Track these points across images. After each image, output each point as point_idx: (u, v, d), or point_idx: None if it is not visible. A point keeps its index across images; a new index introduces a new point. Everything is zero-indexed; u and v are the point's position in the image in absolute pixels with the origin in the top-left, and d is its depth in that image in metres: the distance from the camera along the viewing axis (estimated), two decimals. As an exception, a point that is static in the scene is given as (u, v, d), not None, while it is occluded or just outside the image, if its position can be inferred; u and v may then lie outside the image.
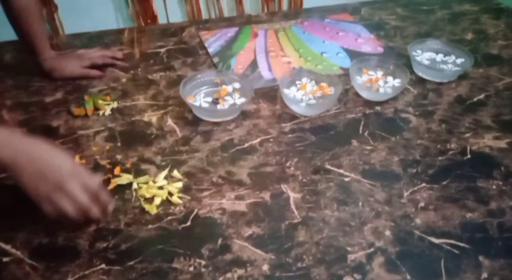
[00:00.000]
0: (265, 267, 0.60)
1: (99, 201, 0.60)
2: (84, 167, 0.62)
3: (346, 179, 0.73)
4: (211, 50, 1.06)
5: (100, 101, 0.86)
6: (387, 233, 0.64)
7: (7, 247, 0.61)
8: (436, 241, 0.63)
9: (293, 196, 0.70)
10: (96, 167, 0.73)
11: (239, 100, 0.87)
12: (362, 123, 0.84)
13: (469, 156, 0.78)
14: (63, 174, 0.56)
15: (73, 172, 0.57)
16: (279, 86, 0.88)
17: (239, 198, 0.69)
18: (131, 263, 0.60)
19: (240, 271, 0.59)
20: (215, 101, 0.87)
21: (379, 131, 0.82)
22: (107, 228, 0.64)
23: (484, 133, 0.82)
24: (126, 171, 0.73)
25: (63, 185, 0.56)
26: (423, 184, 0.72)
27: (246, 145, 0.79)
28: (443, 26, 1.18)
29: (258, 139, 0.80)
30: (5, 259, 0.59)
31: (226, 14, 1.33)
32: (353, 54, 1.05)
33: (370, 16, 1.23)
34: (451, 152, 0.78)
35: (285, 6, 1.38)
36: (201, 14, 1.31)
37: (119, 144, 0.78)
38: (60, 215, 0.57)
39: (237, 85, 0.90)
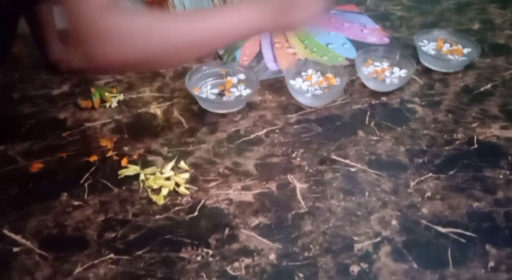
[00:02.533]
0: (272, 256, 0.60)
1: None
2: None
3: (353, 169, 0.73)
4: (216, 42, 1.05)
5: (106, 94, 0.86)
6: (394, 222, 0.64)
7: (17, 237, 0.62)
8: (443, 230, 0.63)
9: (300, 186, 0.70)
10: (103, 159, 0.74)
11: (245, 91, 0.87)
12: (368, 113, 0.84)
13: (476, 146, 0.77)
14: None
15: None
16: (284, 78, 0.88)
17: (245, 188, 0.69)
18: (139, 252, 0.60)
19: (247, 260, 0.59)
20: (221, 93, 0.87)
21: (385, 122, 0.82)
22: (115, 219, 0.64)
23: (491, 123, 0.82)
24: (133, 162, 0.73)
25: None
26: (430, 174, 0.72)
27: (252, 136, 0.79)
28: (449, 16, 1.17)
29: (264, 130, 0.80)
30: (15, 249, 0.60)
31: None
32: (358, 45, 1.05)
33: (376, 6, 1.22)
34: (457, 142, 0.78)
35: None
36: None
37: (126, 136, 0.79)
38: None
39: (242, 76, 0.90)
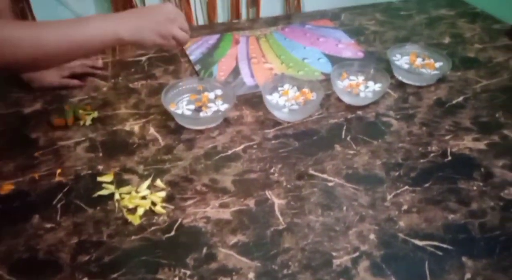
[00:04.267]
0: (251, 275, 0.59)
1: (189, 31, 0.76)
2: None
3: (330, 184, 0.73)
4: (192, 57, 1.05)
5: (80, 111, 0.85)
6: (372, 236, 0.65)
7: (-15, 263, 0.59)
8: (419, 243, 0.64)
9: (278, 202, 0.70)
10: (77, 178, 0.72)
11: (222, 106, 0.86)
12: (345, 127, 0.85)
13: (449, 158, 0.79)
14: (166, 13, 0.72)
15: (174, 13, 0.73)
16: (261, 93, 0.88)
17: (223, 206, 0.69)
18: (115, 275, 0.58)
19: (226, 280, 0.59)
20: (198, 109, 0.86)
21: (361, 135, 0.83)
22: (89, 241, 0.63)
23: (464, 135, 0.84)
24: (107, 182, 0.71)
25: (171, 20, 0.72)
26: (406, 187, 0.73)
27: (229, 152, 0.79)
28: (421, 31, 1.20)
29: (242, 146, 0.80)
30: (-17, 276, 0.58)
31: (201, 22, 1.32)
32: (334, 60, 1.06)
33: (350, 21, 1.24)
34: (432, 154, 0.79)
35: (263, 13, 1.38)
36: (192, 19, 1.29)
37: (100, 154, 0.77)
38: (179, 44, 0.75)
39: (219, 91, 0.90)
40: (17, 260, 0.60)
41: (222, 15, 1.29)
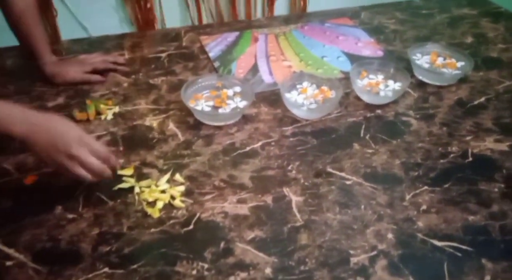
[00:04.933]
0: (268, 270, 0.60)
1: (108, 162, 0.66)
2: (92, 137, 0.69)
3: (348, 182, 0.73)
4: (211, 54, 1.06)
5: (102, 106, 0.87)
6: (390, 236, 0.65)
7: (10, 251, 0.61)
8: (438, 244, 0.64)
9: (295, 199, 0.70)
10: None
11: (240, 103, 0.87)
12: (363, 126, 0.85)
13: (470, 159, 0.78)
14: (72, 143, 0.62)
15: (80, 140, 0.63)
16: (280, 90, 0.88)
17: (241, 201, 0.69)
18: (134, 266, 0.60)
19: (243, 274, 0.59)
20: (217, 106, 0.87)
21: (380, 134, 0.83)
22: (110, 232, 0.64)
23: (485, 136, 0.83)
24: (128, 175, 0.73)
25: (72, 152, 0.62)
26: (425, 187, 0.72)
27: (247, 148, 0.79)
28: (443, 30, 1.19)
29: (260, 143, 0.80)
30: (8, 263, 0.60)
31: (225, 19, 1.33)
32: (353, 58, 1.06)
33: (370, 20, 1.24)
34: (452, 155, 0.79)
35: (286, 10, 1.39)
36: (201, 19, 1.31)
37: (121, 148, 0.79)
38: (77, 178, 0.64)
39: (238, 89, 0.91)
40: (40, 249, 0.62)
41: (241, 13, 1.30)
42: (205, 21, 1.31)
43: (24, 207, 0.67)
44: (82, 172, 0.63)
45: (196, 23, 1.31)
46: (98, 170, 0.64)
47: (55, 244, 0.62)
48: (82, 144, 0.63)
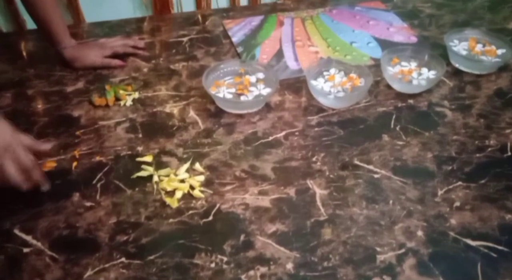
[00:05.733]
0: (289, 266, 0.59)
1: (31, 177, 0.63)
2: (26, 139, 0.64)
3: (376, 176, 0.72)
4: (235, 39, 1.05)
5: (121, 91, 0.87)
6: (419, 233, 0.63)
7: (28, 238, 0.62)
8: (472, 243, 0.62)
9: (320, 192, 0.69)
10: (117, 159, 0.74)
11: (264, 90, 0.86)
12: (394, 116, 0.83)
13: (509, 153, 0.75)
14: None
15: (6, 147, 0.60)
16: (305, 77, 0.87)
17: (262, 193, 0.69)
18: (152, 257, 0.60)
19: (263, 269, 0.59)
20: (239, 93, 0.87)
21: (411, 126, 0.81)
22: (127, 221, 0.65)
23: (526, 129, 0.80)
24: (147, 163, 0.73)
25: (9, 149, 0.60)
26: (459, 183, 0.70)
27: (270, 138, 0.79)
28: (483, 15, 1.15)
29: (283, 132, 0.80)
30: (25, 250, 0.61)
31: (245, 2, 1.31)
32: (384, 44, 1.03)
33: (403, 3, 1.20)
34: (490, 149, 0.76)
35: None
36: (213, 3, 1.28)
37: (140, 135, 0.79)
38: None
39: (261, 75, 0.90)
40: (57, 237, 0.63)
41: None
42: (223, 4, 1.28)
43: (42, 194, 0.68)
44: (2, 180, 0.60)
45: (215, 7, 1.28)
46: (15, 182, 0.61)
47: (72, 232, 0.63)
48: (7, 151, 0.60)
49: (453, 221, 0.64)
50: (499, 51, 0.96)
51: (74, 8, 1.18)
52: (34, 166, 0.64)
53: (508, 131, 0.79)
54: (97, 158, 0.74)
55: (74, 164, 0.73)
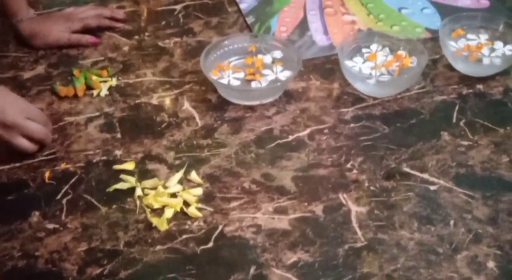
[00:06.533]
0: (315, 308, 0.60)
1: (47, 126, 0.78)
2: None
3: (432, 188, 0.72)
4: (243, 6, 1.06)
5: (94, 78, 0.89)
6: (490, 264, 0.63)
7: (-27, 271, 0.64)
8: (562, 278, 0.62)
9: (356, 210, 0.70)
10: (88, 166, 0.75)
11: (282, 74, 0.87)
12: (457, 108, 0.83)
13: None
14: (6, 110, 0.71)
15: (16, 106, 0.74)
16: (338, 56, 0.87)
17: (280, 211, 0.69)
18: (133, 296, 0.61)
19: (281, 313, 0.60)
20: (249, 79, 0.87)
21: (481, 120, 0.81)
22: (101, 249, 0.66)
23: None
24: (127, 172, 0.74)
25: (8, 121, 0.71)
26: (545, 197, 0.70)
27: (290, 138, 0.79)
28: None
29: (308, 130, 0.80)
30: (-30, 287, 0.63)
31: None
32: (445, 10, 1.03)
33: (471, -45, 1.20)
34: None
35: None
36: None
37: (118, 135, 0.80)
38: (19, 151, 0.74)
39: (278, 54, 0.91)
40: (11, 269, 0.64)
41: None
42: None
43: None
44: (22, 141, 0.74)
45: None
46: (39, 134, 0.75)
47: (30, 263, 0.64)
48: (17, 110, 0.73)
49: (536, 249, 0.64)
50: None
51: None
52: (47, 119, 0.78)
53: None
54: (63, 166, 0.76)
55: (32, 174, 0.75)
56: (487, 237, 0.66)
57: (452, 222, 0.68)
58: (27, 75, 0.91)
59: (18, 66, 0.93)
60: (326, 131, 0.80)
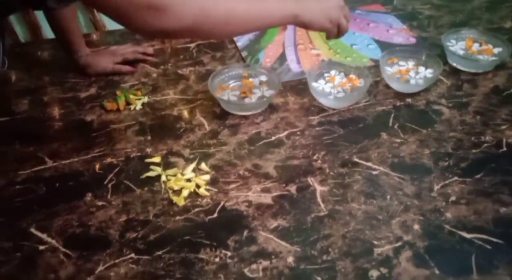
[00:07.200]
0: (290, 259, 0.60)
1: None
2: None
3: (374, 172, 0.72)
4: (240, 44, 1.06)
5: (131, 96, 0.89)
6: (416, 227, 0.63)
7: (43, 236, 0.64)
8: (467, 236, 0.62)
9: (320, 189, 0.70)
10: (127, 160, 0.75)
11: (267, 92, 0.87)
12: (392, 115, 0.83)
13: (505, 149, 0.75)
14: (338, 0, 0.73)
15: (343, 2, 0.74)
16: (307, 79, 0.87)
17: (265, 190, 0.70)
18: (159, 253, 0.61)
19: (265, 263, 0.60)
20: (243, 96, 0.87)
21: (409, 124, 0.81)
22: (136, 219, 0.66)
23: (522, 125, 0.79)
24: (155, 164, 0.75)
25: (341, 7, 0.73)
26: (455, 178, 0.70)
27: (273, 138, 0.79)
28: (480, 15, 1.14)
29: (285, 132, 0.80)
30: (41, 247, 0.63)
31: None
32: (384, 46, 1.03)
33: (403, 6, 1.20)
34: (485, 144, 0.76)
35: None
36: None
37: (149, 137, 0.80)
38: (340, 32, 0.76)
39: (264, 78, 0.91)
40: (71, 235, 0.64)
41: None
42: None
43: (57, 194, 0.70)
44: (346, 24, 0.75)
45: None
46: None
47: (85, 230, 0.65)
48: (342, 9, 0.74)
49: (448, 215, 0.65)
50: (496, 50, 0.95)
51: (92, 16, 1.21)
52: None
53: (504, 127, 0.79)
54: (109, 160, 0.76)
55: (86, 166, 0.75)
56: (413, 207, 0.66)
57: (388, 197, 0.68)
58: (83, 95, 0.91)
59: (76, 89, 0.93)
60: (298, 133, 0.80)
